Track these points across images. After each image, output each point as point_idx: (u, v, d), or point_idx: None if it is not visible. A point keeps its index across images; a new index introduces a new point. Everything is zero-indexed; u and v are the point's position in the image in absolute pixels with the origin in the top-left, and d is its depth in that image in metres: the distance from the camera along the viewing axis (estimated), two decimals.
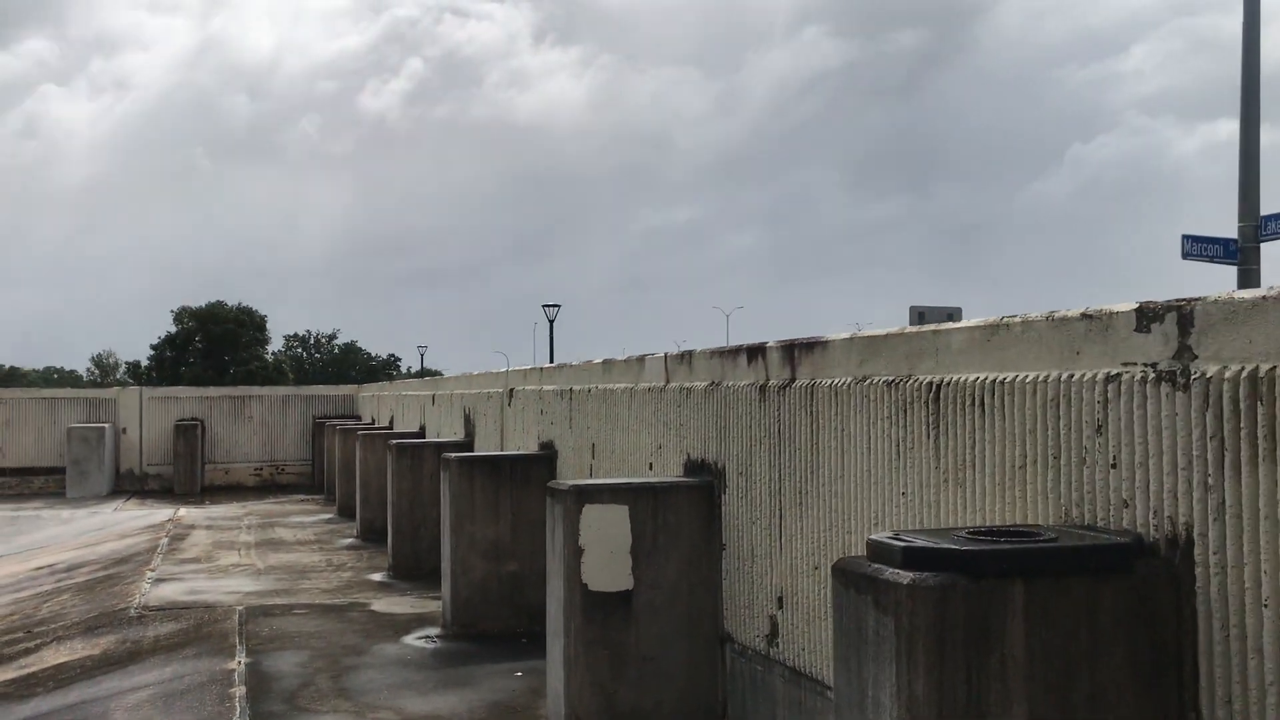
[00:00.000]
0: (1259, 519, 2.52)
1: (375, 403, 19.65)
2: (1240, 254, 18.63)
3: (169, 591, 10.02)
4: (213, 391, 22.73)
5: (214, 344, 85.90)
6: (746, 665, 5.08)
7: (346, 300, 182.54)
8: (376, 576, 10.66)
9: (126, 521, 16.33)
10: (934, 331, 3.81)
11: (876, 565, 2.76)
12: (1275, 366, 2.51)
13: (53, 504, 18.99)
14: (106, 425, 20.68)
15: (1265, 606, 2.51)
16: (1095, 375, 3.04)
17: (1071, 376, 3.13)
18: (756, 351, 5.06)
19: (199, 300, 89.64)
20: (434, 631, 8.13)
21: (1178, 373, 2.77)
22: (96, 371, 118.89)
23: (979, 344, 3.55)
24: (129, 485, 21.09)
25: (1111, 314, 3.03)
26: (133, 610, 9.23)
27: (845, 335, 4.40)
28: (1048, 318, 3.28)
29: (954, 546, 2.70)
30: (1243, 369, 2.58)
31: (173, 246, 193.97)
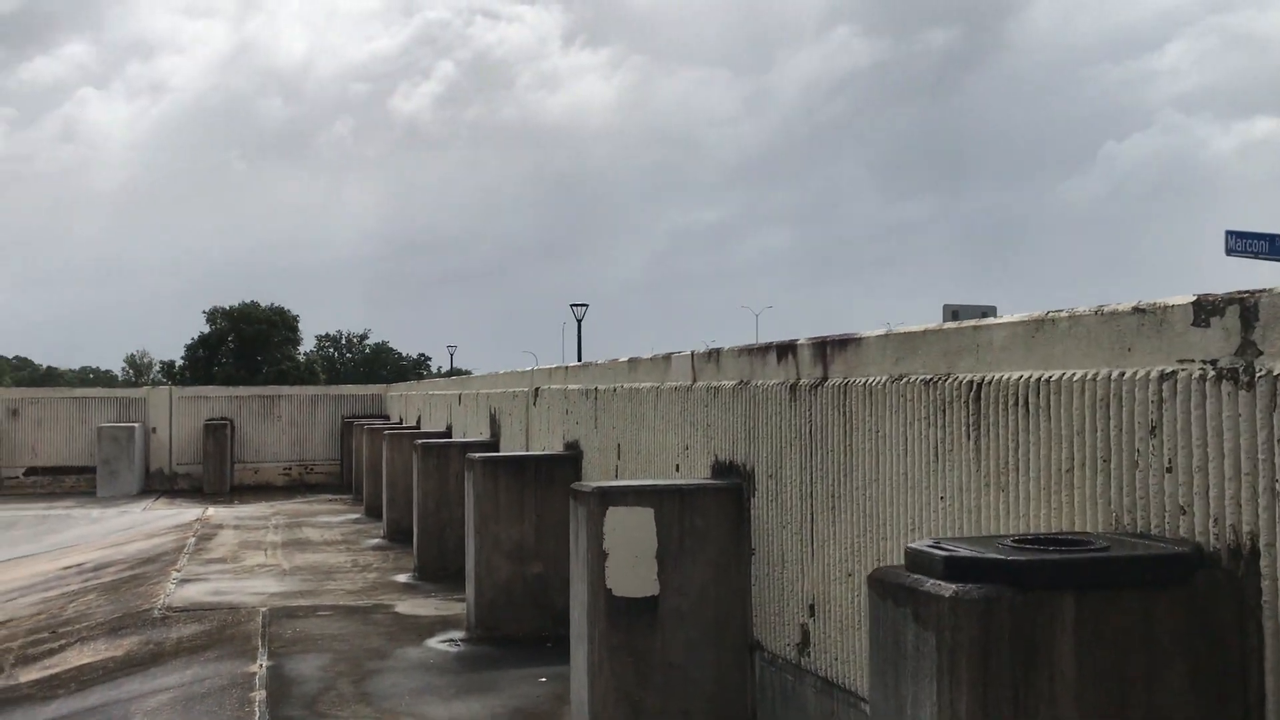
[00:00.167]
0: None
1: (403, 402, 19.60)
2: None
3: (193, 592, 9.96)
4: (242, 391, 22.74)
5: (246, 344, 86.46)
6: (777, 674, 4.90)
7: (378, 300, 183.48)
8: (402, 578, 10.56)
9: (155, 521, 16.34)
10: (974, 328, 3.63)
11: (916, 576, 2.59)
12: None
13: (83, 503, 19.05)
14: (136, 425, 20.74)
15: None
16: (1149, 373, 2.85)
17: (1122, 374, 2.94)
18: (787, 349, 4.89)
19: (233, 300, 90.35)
20: (458, 634, 8.00)
21: (1240, 370, 2.58)
22: (131, 371, 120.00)
23: (1022, 340, 3.37)
24: (159, 484, 21.15)
25: (1166, 308, 2.84)
26: (156, 611, 9.16)
27: (880, 332, 4.22)
28: (1096, 312, 3.09)
29: (999, 556, 2.52)
30: None
31: (208, 247, 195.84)
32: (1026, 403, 3.28)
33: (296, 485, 21.36)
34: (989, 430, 3.45)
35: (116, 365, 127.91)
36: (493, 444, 10.83)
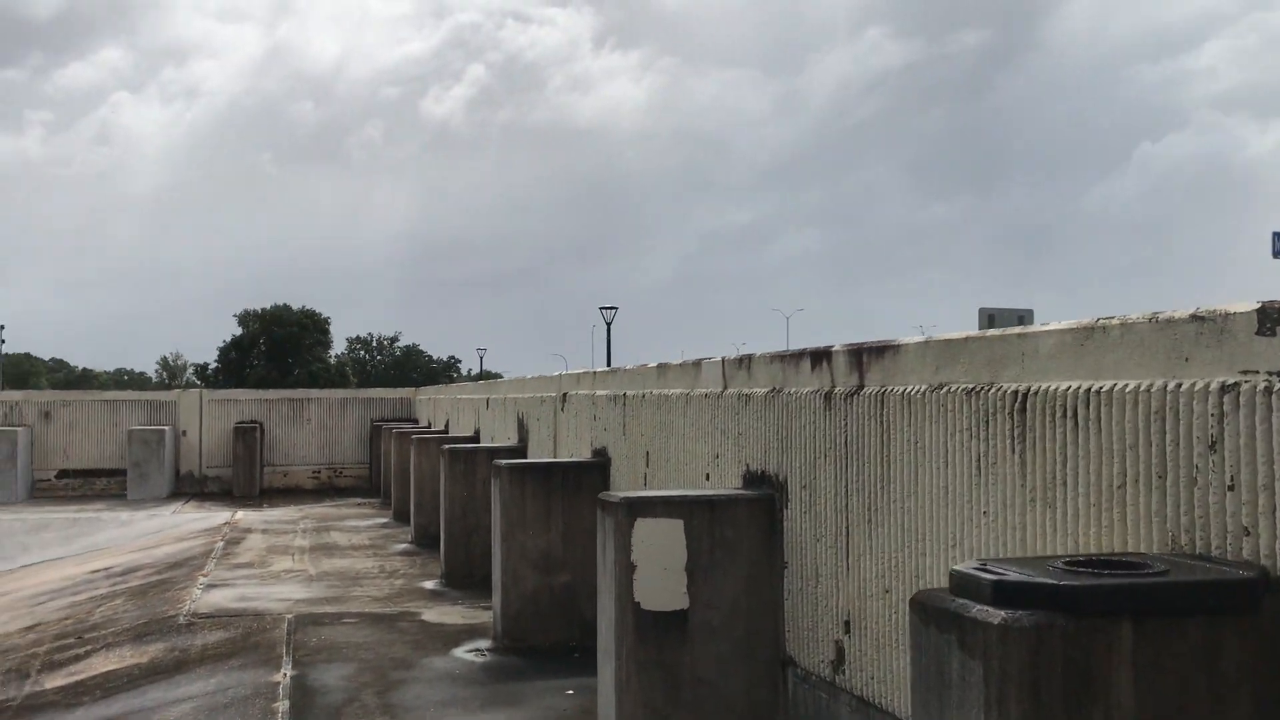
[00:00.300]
0: None
1: (432, 406, 19.55)
2: None
3: (220, 598, 9.90)
4: (271, 394, 22.76)
5: (278, 346, 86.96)
6: (810, 692, 4.75)
7: (408, 303, 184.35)
8: (429, 584, 10.46)
9: (184, 524, 16.35)
10: (1019, 335, 3.47)
11: (961, 600, 2.44)
12: None
13: (113, 506, 19.11)
14: (166, 428, 20.79)
15: None
16: (1208, 385, 2.69)
17: (1179, 386, 2.77)
18: (821, 356, 4.74)
19: (265, 303, 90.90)
20: (484, 644, 7.88)
21: None
22: (164, 374, 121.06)
23: (1071, 349, 3.21)
24: (188, 487, 21.19)
25: (1227, 315, 2.68)
26: (182, 617, 9.10)
27: (919, 339, 4.06)
28: (1151, 320, 2.93)
29: (1051, 580, 2.37)
30: None
31: (240, 250, 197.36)
32: (1075, 414, 3.12)
33: (325, 489, 21.35)
34: (1035, 443, 3.29)
35: (151, 368, 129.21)
36: (520, 449, 10.72)
